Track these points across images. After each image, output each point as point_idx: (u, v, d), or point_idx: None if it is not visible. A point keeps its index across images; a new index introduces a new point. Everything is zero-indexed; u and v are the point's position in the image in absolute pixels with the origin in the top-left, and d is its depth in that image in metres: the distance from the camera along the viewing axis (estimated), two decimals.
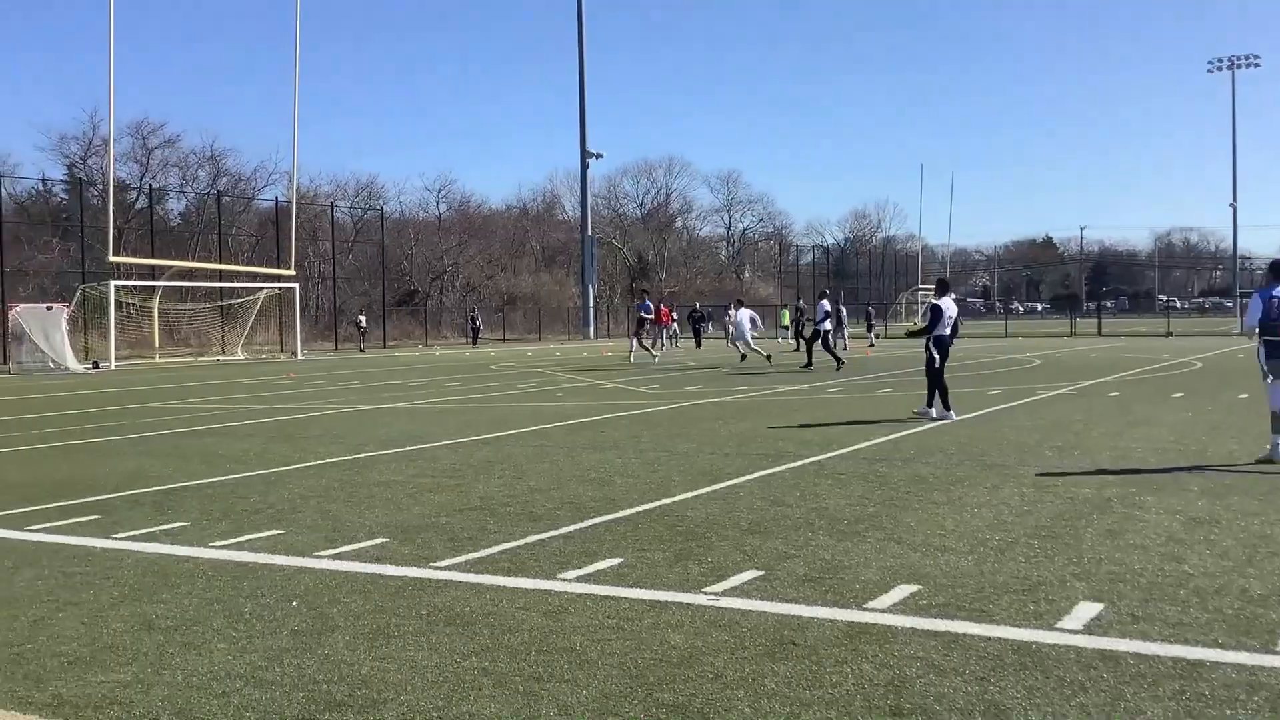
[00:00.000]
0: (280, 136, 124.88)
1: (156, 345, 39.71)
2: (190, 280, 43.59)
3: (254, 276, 43.63)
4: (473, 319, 55.85)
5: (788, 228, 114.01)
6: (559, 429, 13.77)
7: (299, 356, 40.55)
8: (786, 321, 45.34)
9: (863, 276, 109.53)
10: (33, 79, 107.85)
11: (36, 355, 32.51)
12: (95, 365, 33.60)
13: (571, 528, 7.42)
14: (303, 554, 6.77)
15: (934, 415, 13.99)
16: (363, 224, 69.78)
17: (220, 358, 40.71)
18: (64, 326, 33.15)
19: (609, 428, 13.86)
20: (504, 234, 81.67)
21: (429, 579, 6.08)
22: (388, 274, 61.85)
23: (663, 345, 42.40)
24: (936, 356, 14.00)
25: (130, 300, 37.91)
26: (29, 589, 6.07)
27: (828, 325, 26.59)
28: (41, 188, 59.87)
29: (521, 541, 6.99)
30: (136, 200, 58.85)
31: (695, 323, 45.05)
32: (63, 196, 65.00)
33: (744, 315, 30.66)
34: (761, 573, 6.04)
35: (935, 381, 14.05)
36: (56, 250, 52.19)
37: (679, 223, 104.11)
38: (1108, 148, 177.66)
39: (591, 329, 67.33)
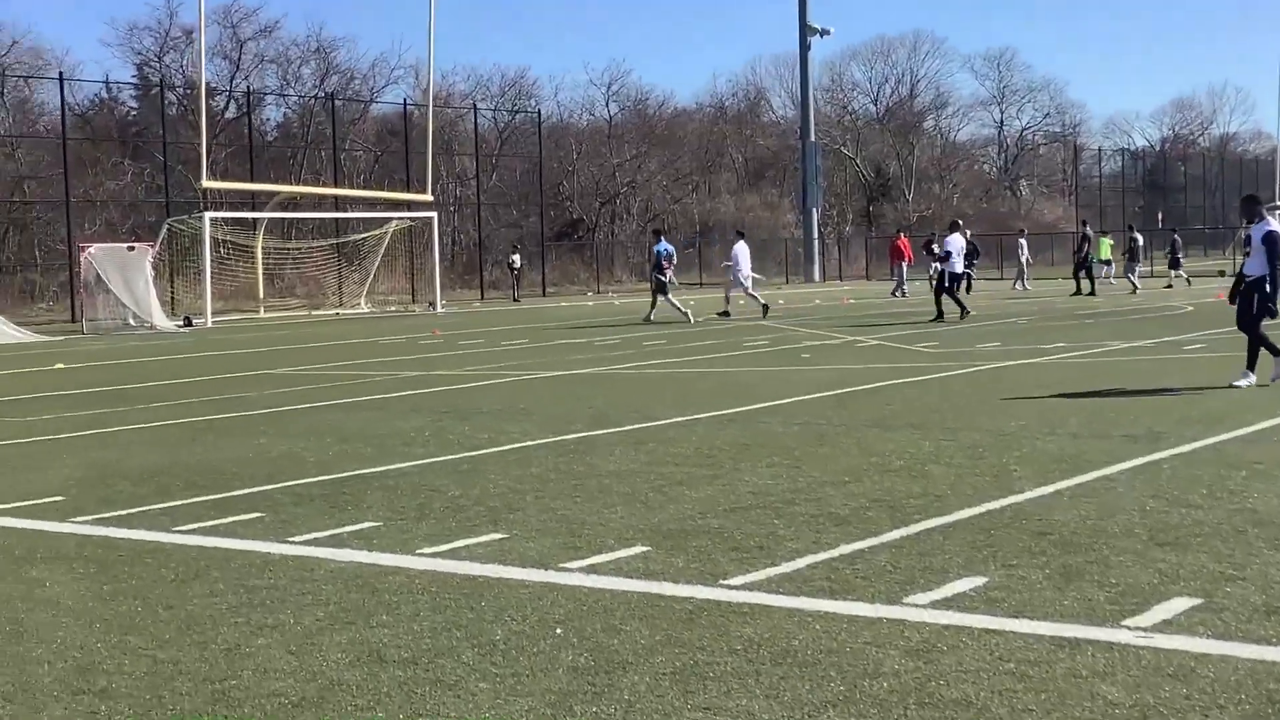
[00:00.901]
0: (400, 22, 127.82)
1: (260, 296, 41.29)
2: (297, 211, 45.11)
3: (382, 204, 44.80)
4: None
5: (1082, 125, 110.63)
6: (824, 401, 13.64)
7: (439, 308, 41.55)
8: (1106, 254, 44.05)
9: (1191, 190, 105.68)
10: None
11: (116, 309, 34.20)
12: (188, 322, 35.17)
13: (895, 534, 7.28)
14: (543, 565, 6.83)
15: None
16: (510, 132, 70.98)
17: (339, 310, 42.09)
18: (148, 272, 34.76)
19: (892, 398, 13.64)
20: (695, 143, 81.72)
21: (726, 602, 6.03)
22: (545, 199, 62.73)
23: (900, 291, 41.81)
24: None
25: (226, 238, 39.46)
26: (208, 607, 6.29)
27: (958, 266, 28.46)
28: (106, 94, 62.90)
29: (834, 552, 6.89)
30: (226, 107, 61.31)
31: (969, 259, 44.11)
32: (132, 105, 68.40)
33: (742, 251, 32.35)
34: (1199, 601, 5.77)
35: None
36: (129, 175, 54.88)
37: (929, 122, 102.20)
38: None
39: (816, 267, 66.97)
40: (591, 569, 6.74)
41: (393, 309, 43.54)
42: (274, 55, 64.43)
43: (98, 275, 34.11)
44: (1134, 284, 39.46)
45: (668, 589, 6.29)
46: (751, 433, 11.43)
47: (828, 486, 8.75)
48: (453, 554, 7.18)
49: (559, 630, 5.67)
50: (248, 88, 53.48)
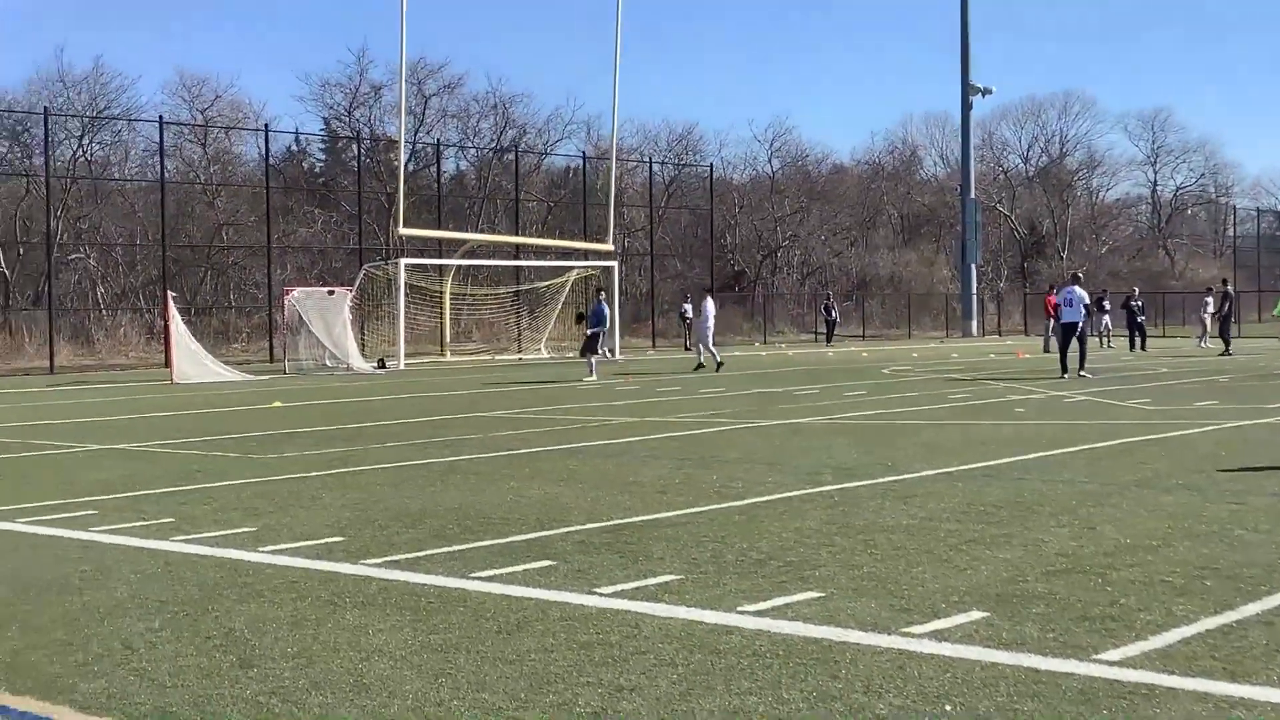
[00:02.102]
0: (574, 78, 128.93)
1: (446, 340, 41.41)
2: (483, 259, 45.24)
3: (561, 253, 44.74)
4: (827, 309, 55.47)
5: (1235, 186, 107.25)
6: (1073, 458, 12.88)
7: (616, 355, 41.27)
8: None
9: None
10: (290, 12, 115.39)
11: (316, 350, 34.46)
12: (382, 364, 35.30)
13: (1253, 608, 6.57)
14: (883, 629, 6.26)
15: None
16: (675, 186, 70.87)
17: (521, 355, 42.02)
18: (346, 315, 34.99)
19: (1143, 456, 12.83)
20: (853, 198, 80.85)
21: (1118, 681, 5.39)
22: (707, 251, 62.37)
23: (1049, 348, 40.46)
24: None
25: (417, 284, 39.65)
26: (548, 663, 5.81)
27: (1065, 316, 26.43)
28: (296, 147, 64.06)
29: (1198, 627, 6.23)
30: (409, 159, 62.01)
31: (1132, 315, 42.75)
32: (319, 158, 69.70)
33: (710, 307, 31.92)
34: None
35: None
36: (319, 223, 55.74)
37: (1080, 181, 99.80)
38: None
39: (974, 322, 65.62)
40: (938, 635, 6.14)
41: (571, 355, 43.35)
42: (455, 110, 65.11)
43: (300, 317, 34.42)
44: None
45: (1040, 663, 5.66)
46: (1017, 489, 10.74)
47: (1139, 551, 8.04)
48: (777, 613, 6.64)
49: (948, 708, 5.08)
50: (437, 141, 53.86)
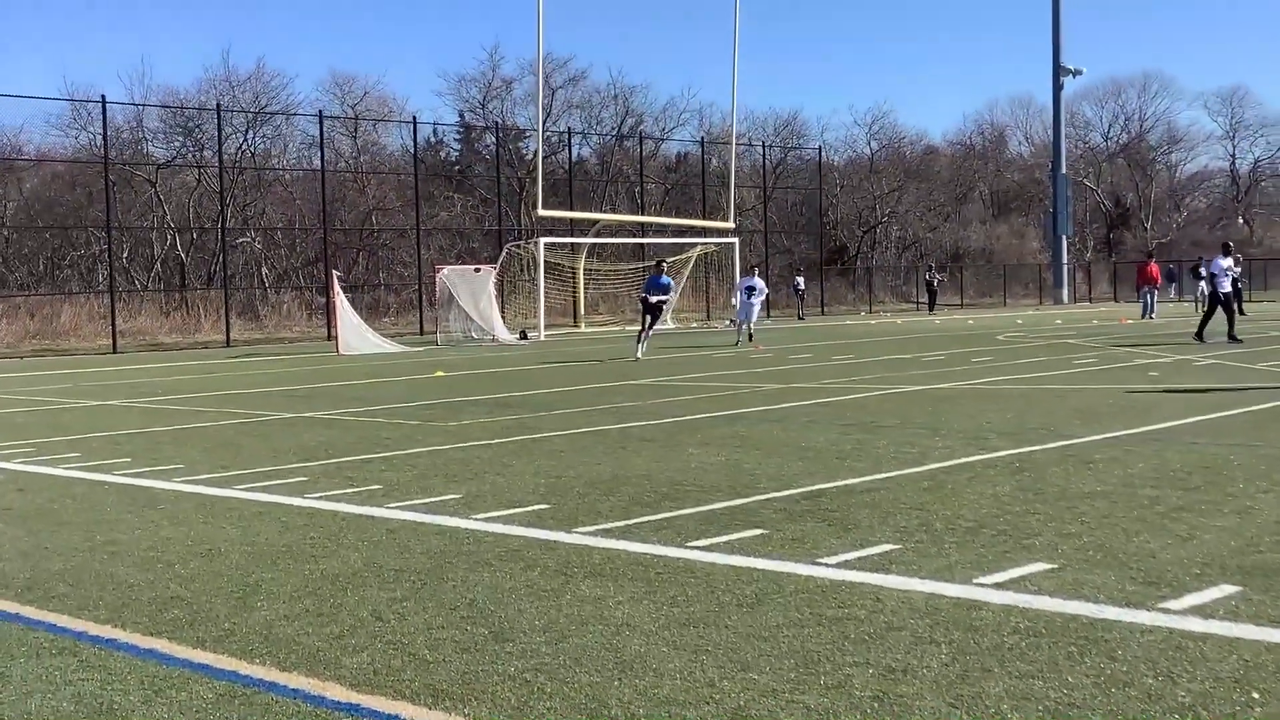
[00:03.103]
0: (688, 69, 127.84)
1: (582, 312, 41.01)
2: (614, 237, 44.77)
3: (692, 231, 44.10)
4: (930, 280, 54.21)
5: None
6: (1234, 421, 12.02)
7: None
8: None
9: None
10: (429, 12, 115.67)
11: (464, 323, 34.22)
12: (524, 335, 34.98)
13: None
14: (1142, 605, 5.60)
15: None
16: (782, 168, 69.79)
17: None
18: (491, 290, 34.70)
19: None
20: (946, 177, 79.18)
21: None
22: (816, 228, 61.40)
23: (1151, 314, 38.92)
24: None
25: (558, 261, 39.26)
26: (804, 639, 5.25)
27: (1225, 286, 24.63)
28: (434, 137, 64.02)
29: None
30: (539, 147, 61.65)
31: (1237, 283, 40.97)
32: (454, 148, 69.62)
33: (760, 284, 30.26)
34: None
35: None
36: (458, 207, 55.65)
37: (1160, 156, 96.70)
38: None
39: (1065, 290, 63.95)
40: (1200, 611, 5.47)
41: (695, 325, 42.79)
42: (579, 101, 64.66)
43: (449, 293, 34.19)
44: None
45: None
46: (1199, 455, 9.94)
47: None
48: (1017, 585, 6.01)
49: (1255, 695, 4.43)
50: (568, 129, 53.46)
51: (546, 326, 37.33)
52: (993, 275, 69.75)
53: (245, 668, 5.17)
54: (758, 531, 7.50)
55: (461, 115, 67.30)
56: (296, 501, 9.11)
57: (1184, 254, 73.20)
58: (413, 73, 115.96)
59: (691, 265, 43.02)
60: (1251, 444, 10.42)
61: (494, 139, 59.87)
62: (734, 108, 42.07)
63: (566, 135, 51.22)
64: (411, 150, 56.78)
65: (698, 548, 7.13)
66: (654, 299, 25.79)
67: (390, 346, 31.34)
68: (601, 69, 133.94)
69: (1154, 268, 44.46)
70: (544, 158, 59.54)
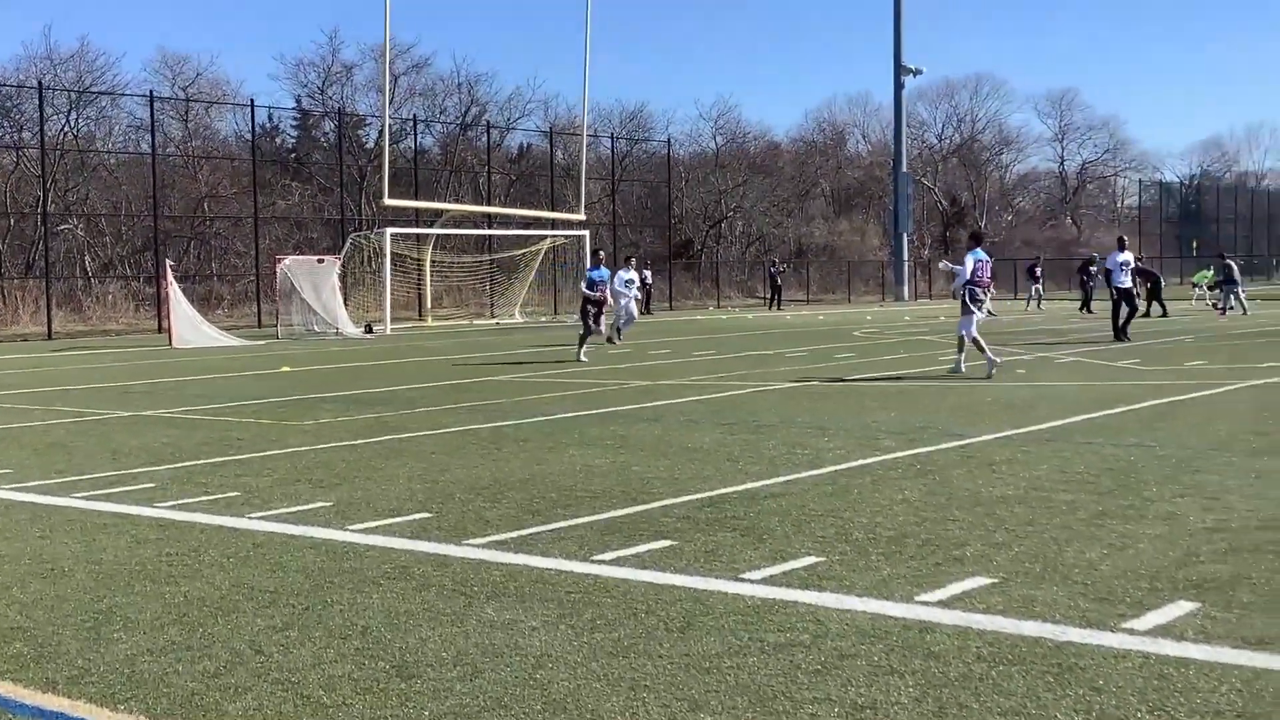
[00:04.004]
0: (537, 58, 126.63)
1: (428, 306, 40.00)
2: (460, 228, 43.84)
3: (541, 223, 43.41)
4: (773, 274, 54.37)
5: (1136, 161, 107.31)
6: (1123, 419, 11.90)
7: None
8: (1205, 279, 41.94)
9: (1225, 222, 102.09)
10: None
11: (306, 316, 33.01)
12: (369, 329, 33.89)
13: None
14: (1105, 626, 5.23)
15: None
16: (628, 161, 69.47)
17: (498, 321, 40.68)
18: (335, 282, 33.54)
19: (1196, 416, 11.87)
20: (790, 173, 79.91)
21: None
22: (662, 221, 61.25)
23: (987, 310, 39.70)
24: None
25: (404, 253, 38.19)
26: (752, 671, 4.74)
27: (1124, 281, 24.22)
28: (269, 122, 62.00)
29: None
30: (380, 135, 60.17)
31: (1087, 277, 42.06)
32: (290, 134, 67.55)
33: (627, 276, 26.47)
34: None
35: None
36: (296, 195, 53.89)
37: (993, 156, 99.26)
38: None
39: (905, 287, 64.98)
40: (1168, 632, 5.12)
41: (544, 319, 42.14)
42: (423, 89, 63.33)
43: (291, 284, 32.92)
44: (1244, 307, 37.19)
45: None
46: (1100, 455, 9.73)
47: None
48: (963, 604, 5.60)
49: None
50: (414, 117, 52.27)
51: (392, 320, 36.25)
52: (836, 272, 70.58)
53: (108, 716, 4.45)
54: (666, 543, 6.97)
55: (299, 100, 65.46)
56: (146, 512, 8.28)
57: (1015, 253, 75.17)
58: (248, 55, 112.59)
59: (540, 258, 42.33)
60: (1145, 444, 10.28)
61: (334, 126, 58.30)
62: (585, 97, 41.56)
63: (411, 124, 49.99)
64: (246, 135, 55.15)
65: (605, 562, 6.57)
66: (597, 294, 22.93)
67: (228, 340, 29.99)
68: (445, 56, 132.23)
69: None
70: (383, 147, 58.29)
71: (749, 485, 8.75)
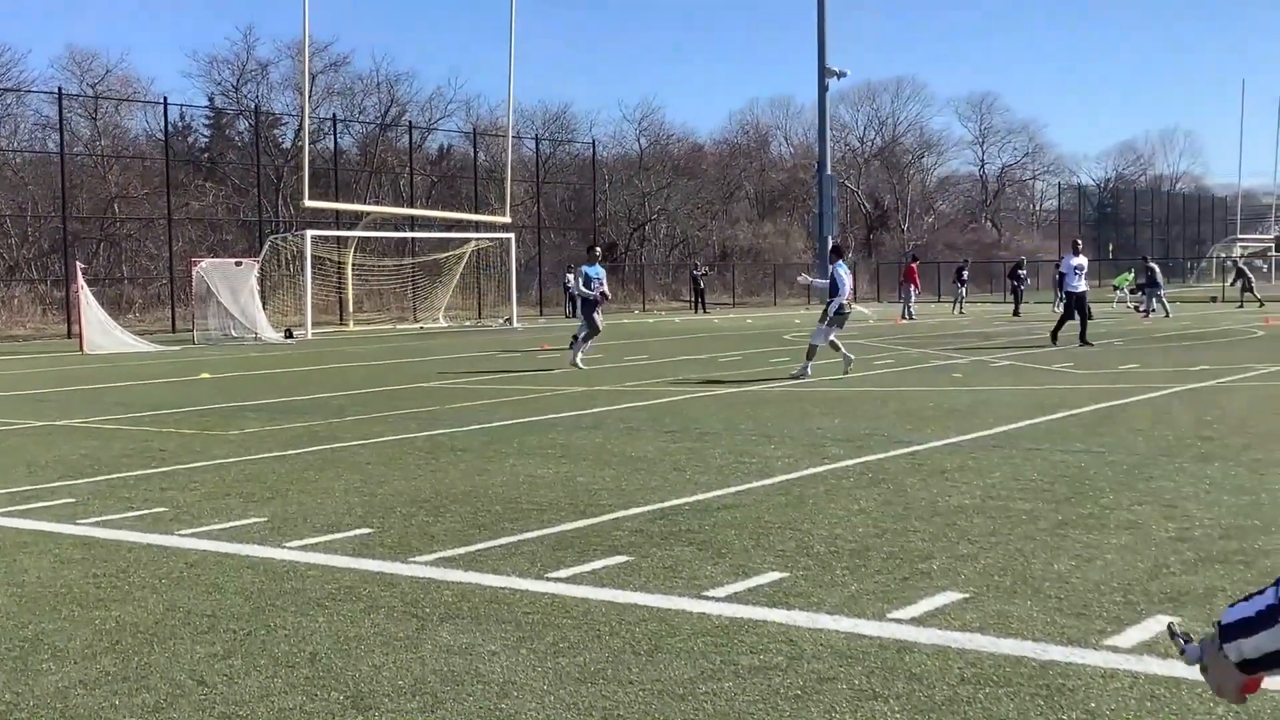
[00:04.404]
0: (457, 57, 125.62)
1: (350, 310, 39.45)
2: (384, 231, 43.30)
3: (464, 225, 42.98)
4: (696, 278, 54.29)
5: (1054, 165, 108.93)
6: (1064, 424, 11.87)
7: (515, 323, 39.78)
8: (1126, 283, 42.58)
9: (1141, 225, 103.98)
10: None
11: (223, 320, 32.37)
12: (289, 334, 33.31)
13: None
14: (1088, 644, 5.11)
15: None
16: (551, 162, 69.18)
17: (422, 325, 40.20)
18: (253, 285, 32.93)
19: (1143, 423, 11.88)
20: (714, 175, 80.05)
21: None
22: (586, 224, 61.05)
23: (909, 315, 40.01)
24: None
25: (324, 256, 37.61)
26: (727, 697, 4.55)
27: (1078, 286, 23.80)
28: (181, 121, 60.88)
29: None
30: (298, 135, 59.35)
31: (1017, 281, 42.51)
32: (203, 134, 66.39)
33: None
34: None
35: None
36: (210, 196, 52.92)
37: (915, 159, 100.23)
38: None
39: None
40: (1154, 650, 5.01)
41: (468, 324, 41.72)
42: (340, 88, 62.58)
43: (208, 288, 32.25)
44: (1166, 309, 37.76)
45: None
46: (1050, 461, 9.67)
47: (1252, 533, 7.03)
48: (939, 621, 5.45)
49: None
50: (334, 115, 51.58)
51: (313, 325, 35.68)
52: (760, 274, 70.83)
53: None
54: (622, 559, 6.77)
55: (212, 99, 64.42)
56: (68, 529, 7.92)
57: (937, 256, 75.98)
58: (160, 52, 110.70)
59: (465, 260, 41.92)
60: (1094, 450, 10.25)
61: (249, 125, 57.37)
62: (510, 96, 41.16)
63: (330, 123, 49.32)
64: (157, 135, 54.05)
65: (560, 580, 6.36)
66: (595, 293, 21.48)
67: (142, 345, 29.31)
68: (364, 55, 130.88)
69: (914, 269, 46.19)
70: (302, 147, 57.47)
71: (700, 496, 8.58)
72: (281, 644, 5.37)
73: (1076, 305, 23.81)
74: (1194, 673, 4.58)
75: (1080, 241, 25.88)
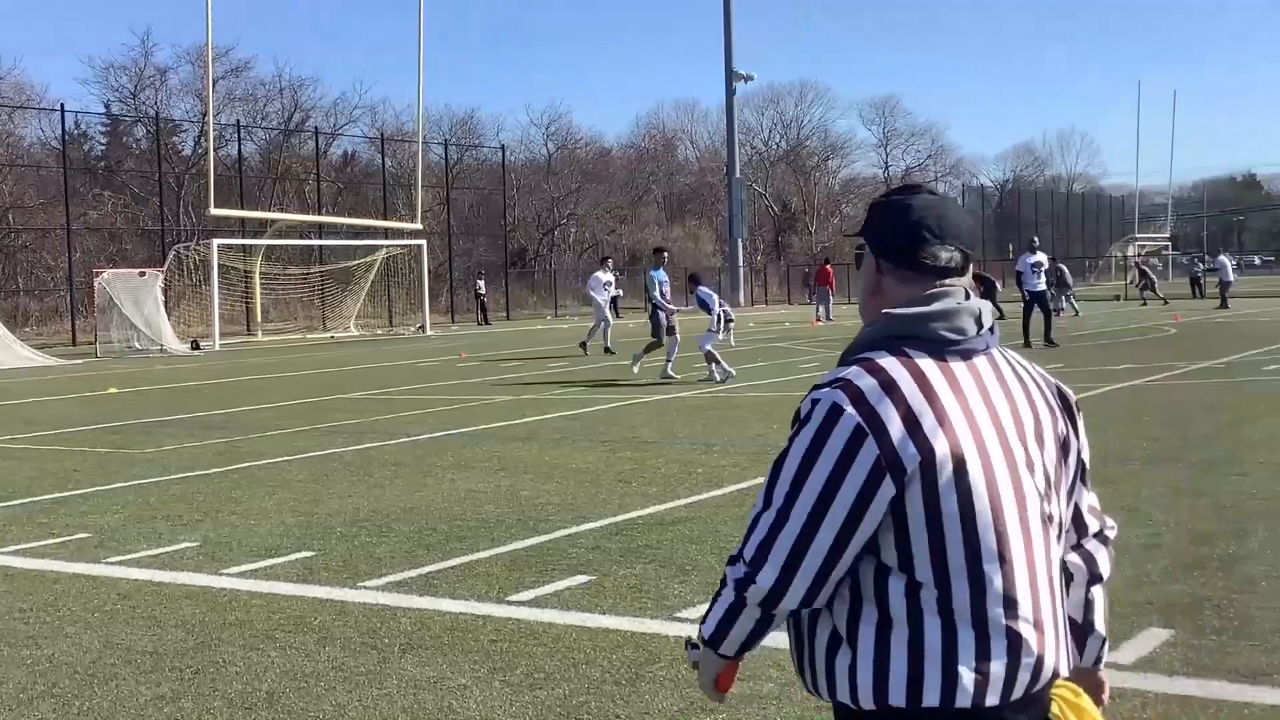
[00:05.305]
0: (361, 62, 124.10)
1: (258, 320, 38.63)
2: (292, 239, 42.51)
3: (374, 232, 42.32)
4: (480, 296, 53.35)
5: (955, 167, 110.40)
6: None
7: (428, 331, 39.22)
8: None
9: (1041, 225, 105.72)
10: None
11: (127, 332, 31.47)
12: (195, 345, 32.47)
13: None
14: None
15: None
16: (459, 168, 68.56)
17: (333, 335, 39.46)
18: (158, 296, 32.06)
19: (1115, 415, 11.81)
20: (622, 179, 79.97)
21: None
22: (497, 229, 60.57)
23: (827, 316, 40.16)
24: None
25: (231, 264, 36.76)
26: None
27: (1037, 284, 23.43)
28: (76, 129, 59.42)
29: None
30: (198, 141, 58.14)
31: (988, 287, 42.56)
32: (100, 141, 64.80)
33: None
34: None
35: None
36: (109, 205, 51.60)
37: (821, 162, 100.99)
38: None
39: (741, 293, 65.45)
40: (1155, 665, 4.86)
41: (380, 332, 41.07)
42: (242, 94, 61.41)
43: (110, 299, 31.33)
44: (1075, 308, 38.23)
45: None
46: None
47: (1226, 539, 6.94)
48: None
49: None
50: (238, 122, 50.59)
51: (220, 335, 34.83)
52: (672, 278, 70.76)
53: None
54: (583, 578, 6.49)
55: (108, 106, 62.89)
56: None
57: (847, 258, 76.55)
58: (54, 58, 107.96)
59: (377, 268, 41.26)
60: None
61: (148, 132, 56.05)
62: (419, 100, 40.69)
63: (234, 129, 48.38)
64: (53, 143, 52.55)
65: (523, 603, 6.07)
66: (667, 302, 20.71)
67: (43, 359, 28.38)
68: (267, 60, 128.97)
69: (828, 270, 46.51)
70: (203, 154, 56.27)
71: (652, 509, 8.32)
72: (234, 682, 5.02)
73: (1037, 301, 23.34)
74: (1207, 689, 4.44)
75: (1038, 239, 25.32)
